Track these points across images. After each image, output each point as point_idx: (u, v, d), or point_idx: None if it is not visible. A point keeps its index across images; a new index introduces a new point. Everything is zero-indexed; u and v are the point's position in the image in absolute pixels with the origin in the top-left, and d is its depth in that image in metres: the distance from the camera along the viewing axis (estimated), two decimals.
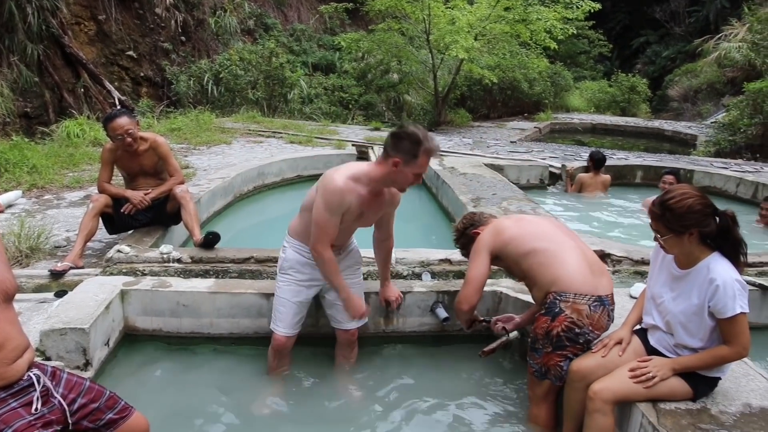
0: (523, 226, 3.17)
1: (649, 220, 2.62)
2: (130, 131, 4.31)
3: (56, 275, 3.98)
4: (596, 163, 8.00)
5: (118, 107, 12.68)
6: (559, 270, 2.89)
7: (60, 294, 3.65)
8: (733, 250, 2.52)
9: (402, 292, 3.76)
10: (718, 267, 2.46)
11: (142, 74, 14.68)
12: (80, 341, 3.11)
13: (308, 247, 3.21)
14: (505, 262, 3.17)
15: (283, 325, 3.31)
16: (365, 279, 3.77)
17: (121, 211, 4.50)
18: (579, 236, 3.23)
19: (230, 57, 14.27)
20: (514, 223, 3.20)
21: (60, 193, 6.31)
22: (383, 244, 3.51)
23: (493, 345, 3.34)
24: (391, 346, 3.82)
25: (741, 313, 2.40)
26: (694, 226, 2.46)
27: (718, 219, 2.49)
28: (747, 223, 6.88)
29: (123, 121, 4.30)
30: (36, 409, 2.08)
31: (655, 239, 2.61)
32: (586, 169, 8.23)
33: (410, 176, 2.99)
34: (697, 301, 2.51)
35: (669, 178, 7.04)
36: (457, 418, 3.22)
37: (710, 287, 2.45)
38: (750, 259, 4.49)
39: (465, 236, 3.35)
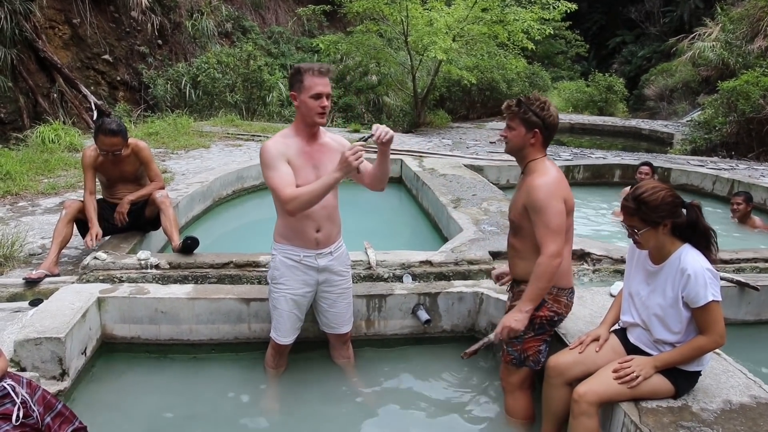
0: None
1: (622, 219, 2.65)
2: (117, 152, 4.32)
3: (31, 283, 3.90)
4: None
5: (95, 113, 12.57)
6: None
7: (35, 303, 3.58)
8: (703, 239, 2.58)
9: (383, 294, 3.76)
10: (689, 257, 2.53)
11: (118, 78, 14.52)
12: (56, 351, 3.05)
13: (294, 246, 3.18)
14: None
15: (282, 333, 3.31)
16: (355, 282, 3.75)
17: (114, 223, 4.53)
18: None
19: (208, 60, 14.17)
20: (569, 193, 2.87)
21: (35, 200, 6.20)
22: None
23: (476, 346, 3.31)
24: (372, 349, 3.80)
25: (713, 301, 2.45)
26: (668, 217, 2.53)
27: (685, 211, 2.57)
28: (724, 219, 6.97)
29: (116, 140, 4.27)
30: (17, 417, 2.06)
31: (629, 236, 2.66)
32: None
33: (310, 102, 3.02)
34: (671, 293, 2.57)
35: (645, 168, 7.17)
36: (439, 419, 3.22)
37: (682, 277, 2.51)
38: (727, 256, 4.55)
39: (531, 112, 2.81)
